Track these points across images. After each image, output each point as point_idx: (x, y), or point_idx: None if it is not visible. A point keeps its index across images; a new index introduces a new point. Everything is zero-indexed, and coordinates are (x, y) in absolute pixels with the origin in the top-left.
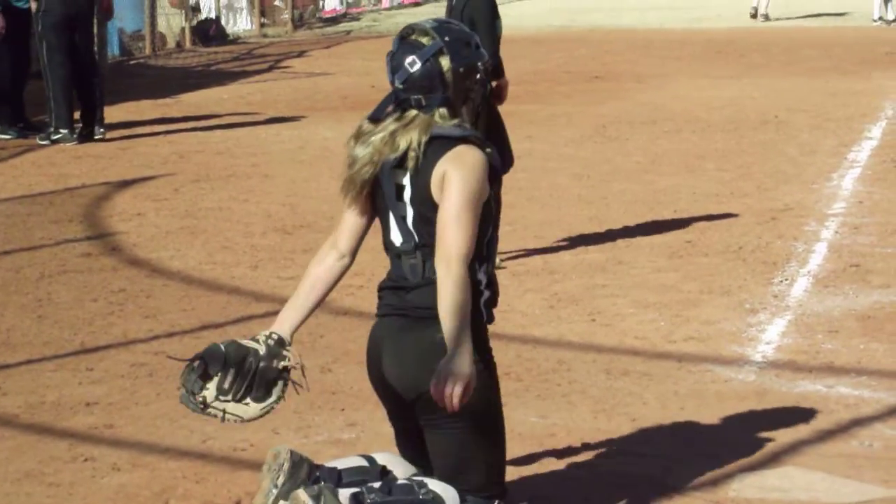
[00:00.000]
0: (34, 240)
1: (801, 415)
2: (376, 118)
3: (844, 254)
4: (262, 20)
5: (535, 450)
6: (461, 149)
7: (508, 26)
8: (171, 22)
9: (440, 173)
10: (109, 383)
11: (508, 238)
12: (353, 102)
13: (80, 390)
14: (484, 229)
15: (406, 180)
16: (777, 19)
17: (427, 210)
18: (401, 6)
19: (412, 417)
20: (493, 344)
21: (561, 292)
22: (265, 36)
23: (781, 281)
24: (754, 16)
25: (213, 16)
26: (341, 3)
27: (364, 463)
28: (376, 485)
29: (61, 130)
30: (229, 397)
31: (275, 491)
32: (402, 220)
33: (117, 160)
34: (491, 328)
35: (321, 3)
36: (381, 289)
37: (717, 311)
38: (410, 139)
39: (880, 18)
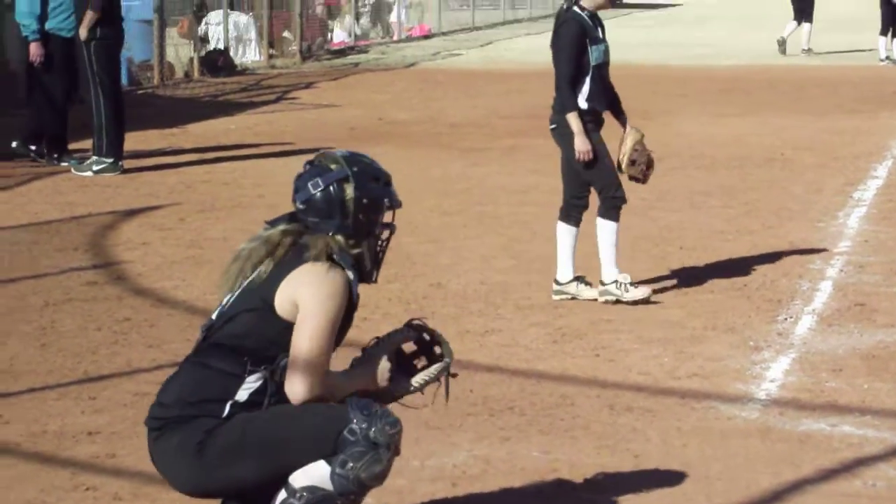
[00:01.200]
0: (39, 268)
1: (804, 453)
2: (272, 224)
3: (849, 292)
4: (271, 51)
5: (536, 484)
6: (316, 268)
7: (514, 60)
8: (180, 52)
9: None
10: (112, 412)
11: (514, 272)
12: (359, 134)
13: (82, 419)
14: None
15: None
16: (818, 53)
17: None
18: (409, 39)
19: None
20: (497, 377)
21: (565, 327)
22: (273, 67)
23: (786, 318)
24: (783, 50)
25: (221, 46)
26: (350, 35)
27: None
28: None
29: (106, 160)
30: None
31: None
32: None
33: (124, 189)
34: (494, 361)
35: (330, 36)
36: None
37: (721, 348)
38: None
39: (887, 58)
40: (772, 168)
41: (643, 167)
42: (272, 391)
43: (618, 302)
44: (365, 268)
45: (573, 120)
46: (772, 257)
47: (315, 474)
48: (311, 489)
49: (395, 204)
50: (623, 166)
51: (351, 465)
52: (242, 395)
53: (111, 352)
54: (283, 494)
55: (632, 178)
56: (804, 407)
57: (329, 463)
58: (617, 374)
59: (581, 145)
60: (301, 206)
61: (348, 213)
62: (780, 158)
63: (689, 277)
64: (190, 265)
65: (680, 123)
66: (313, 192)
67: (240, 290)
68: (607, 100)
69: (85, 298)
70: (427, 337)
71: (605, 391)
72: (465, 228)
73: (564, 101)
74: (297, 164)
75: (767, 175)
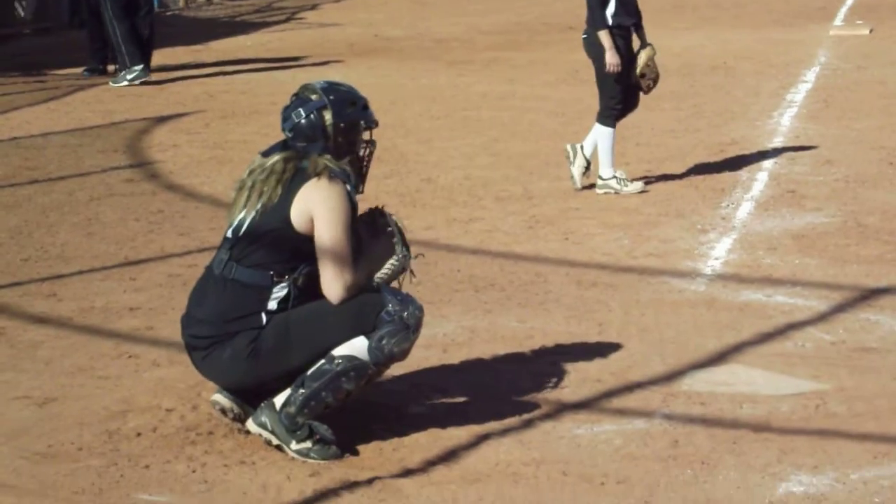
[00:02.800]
0: (84, 167)
1: (744, 320)
2: (267, 154)
3: (782, 181)
4: None
5: (515, 350)
6: (322, 183)
7: None
8: None
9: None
10: (150, 291)
11: (494, 168)
12: (358, 49)
13: (124, 297)
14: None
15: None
16: None
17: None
18: None
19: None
20: (480, 259)
21: (539, 215)
22: None
23: (728, 205)
24: None
25: None
26: None
27: None
28: (300, 390)
29: (135, 69)
30: None
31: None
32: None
33: (155, 98)
34: (478, 244)
35: None
36: None
37: (672, 231)
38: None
39: None
40: (716, 75)
41: (650, 82)
42: (295, 295)
43: (617, 194)
44: (351, 181)
45: (604, 37)
46: (716, 152)
47: (355, 345)
48: (349, 358)
49: (371, 124)
50: (633, 77)
51: (385, 340)
52: (272, 304)
53: (147, 239)
54: (322, 361)
55: (636, 87)
56: (744, 280)
57: (368, 338)
58: (583, 255)
59: (611, 58)
60: (289, 134)
61: (329, 136)
62: (723, 66)
63: (645, 170)
64: (214, 164)
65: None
66: (297, 120)
67: (256, 213)
68: (633, 15)
69: (124, 193)
70: (388, 225)
71: (573, 269)
72: (451, 130)
73: (595, 19)
74: (305, 76)
75: (712, 81)
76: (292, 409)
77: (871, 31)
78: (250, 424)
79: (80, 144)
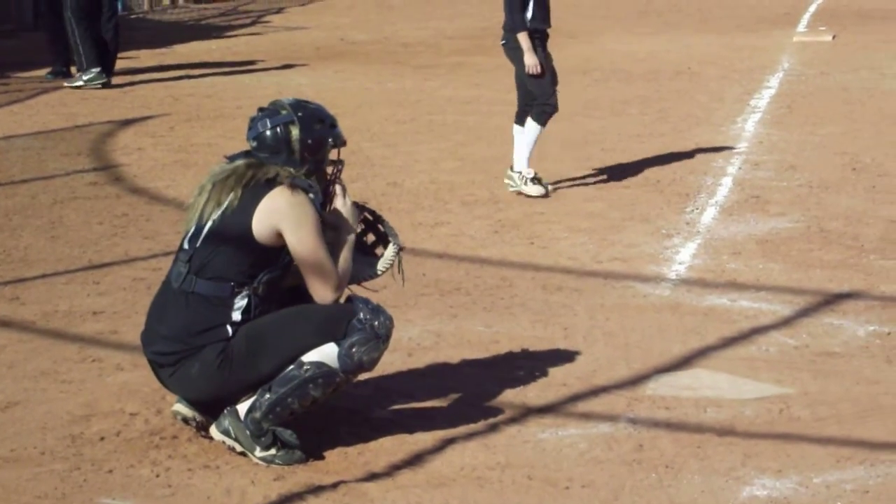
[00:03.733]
0: (48, 170)
1: (708, 324)
2: (231, 160)
3: (746, 187)
4: None
5: (481, 355)
6: (281, 195)
7: None
8: None
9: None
10: (114, 295)
11: (460, 172)
12: (324, 53)
13: (88, 301)
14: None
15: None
16: None
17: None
18: None
19: None
20: (445, 263)
21: (504, 219)
22: None
23: (693, 210)
24: None
25: None
26: None
27: None
28: (265, 395)
29: (92, 70)
30: None
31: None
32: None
33: (120, 101)
34: (443, 248)
35: None
36: None
37: (637, 236)
38: (265, 173)
39: None
40: (681, 80)
41: None
42: (256, 304)
43: (518, 193)
44: (316, 192)
45: (524, 39)
46: (681, 157)
47: (325, 352)
48: (318, 364)
49: (338, 143)
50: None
51: (356, 349)
52: (236, 315)
53: (112, 243)
54: (290, 367)
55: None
56: (708, 285)
57: (338, 345)
58: (549, 259)
59: (530, 59)
60: (253, 143)
61: (294, 150)
62: (687, 72)
63: (610, 175)
64: (179, 167)
65: (603, 42)
66: (262, 130)
67: (214, 222)
68: (548, 21)
69: (88, 197)
70: (370, 217)
71: (538, 274)
72: (417, 134)
73: (514, 22)
74: (270, 80)
75: (677, 86)
76: (258, 415)
77: (833, 38)
78: (213, 431)
79: (44, 148)
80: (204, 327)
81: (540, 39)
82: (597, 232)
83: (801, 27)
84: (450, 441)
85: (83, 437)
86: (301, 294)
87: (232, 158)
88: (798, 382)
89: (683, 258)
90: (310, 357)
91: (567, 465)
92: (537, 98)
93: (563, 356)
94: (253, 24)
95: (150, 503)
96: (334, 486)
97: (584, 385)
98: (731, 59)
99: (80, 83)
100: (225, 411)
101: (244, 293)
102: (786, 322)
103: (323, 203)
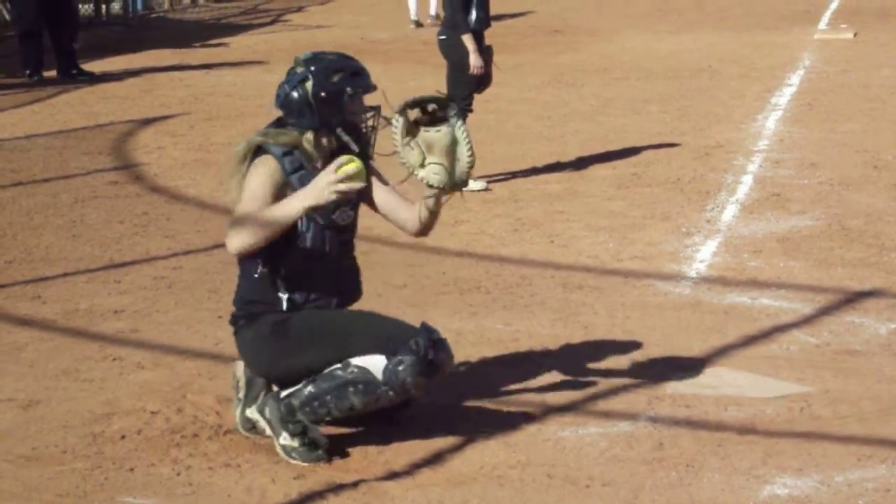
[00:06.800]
0: (69, 169)
1: (729, 323)
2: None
3: (767, 184)
4: None
5: (501, 353)
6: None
7: None
8: None
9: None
10: (134, 294)
11: (479, 170)
12: (344, 51)
13: (109, 300)
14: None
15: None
16: None
17: None
18: None
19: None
20: (465, 261)
21: (524, 217)
22: None
23: (713, 208)
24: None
25: None
26: None
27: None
28: (308, 386)
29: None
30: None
31: (239, 403)
32: None
33: (140, 100)
34: (463, 247)
35: None
36: None
37: (658, 234)
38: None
39: None
40: (701, 78)
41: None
42: (285, 279)
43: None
44: (355, 150)
45: (468, 40)
46: (701, 155)
47: (373, 361)
48: (364, 370)
49: (359, 90)
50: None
51: (402, 367)
52: (282, 292)
53: (132, 242)
54: (337, 365)
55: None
56: (729, 283)
57: (387, 357)
58: (569, 258)
59: (476, 61)
60: (282, 111)
61: (314, 108)
62: (708, 70)
63: (631, 174)
64: (199, 166)
65: (623, 40)
66: (282, 96)
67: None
68: (488, 22)
69: (109, 196)
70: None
71: (558, 272)
72: None
73: (458, 22)
74: None
75: (697, 84)
76: (295, 402)
77: (855, 35)
78: (251, 411)
79: (65, 147)
80: (254, 298)
81: (479, 41)
82: (617, 230)
83: (822, 25)
84: (469, 440)
85: (104, 435)
86: (350, 277)
87: (264, 130)
88: (819, 381)
89: (704, 256)
90: (357, 361)
91: (587, 464)
92: (456, 96)
93: (584, 354)
94: (273, 22)
95: (171, 501)
96: (354, 484)
97: (605, 383)
98: (752, 57)
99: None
100: (268, 394)
101: (269, 269)
102: (807, 320)
103: (365, 154)
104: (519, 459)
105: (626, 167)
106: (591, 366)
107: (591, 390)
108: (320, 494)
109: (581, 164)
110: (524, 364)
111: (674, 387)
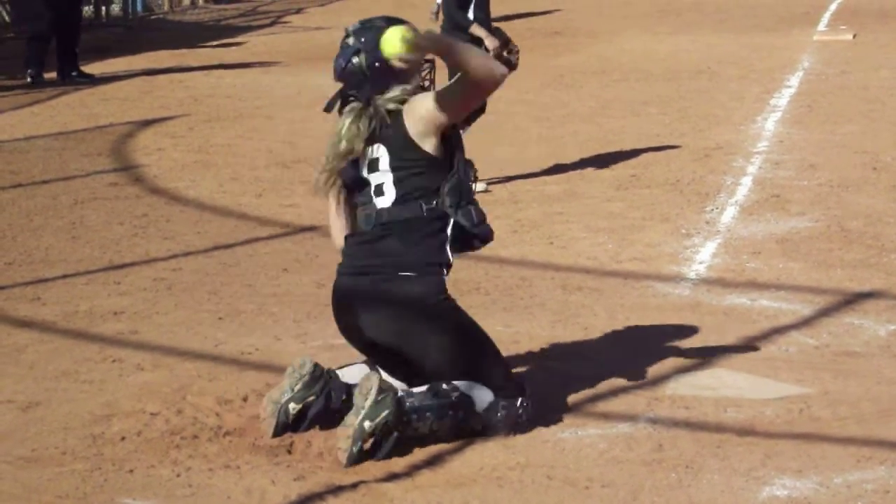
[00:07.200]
0: (69, 171)
1: (728, 324)
2: (328, 110)
3: (766, 186)
4: None
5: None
6: (412, 102)
7: None
8: None
9: (413, 120)
10: (134, 295)
11: (478, 172)
12: None
13: (108, 301)
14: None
15: (378, 152)
16: None
17: (407, 154)
18: None
19: (393, 356)
20: (465, 262)
21: (523, 219)
22: None
23: (712, 209)
24: None
25: None
26: None
27: (367, 371)
28: (417, 390)
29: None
30: None
31: (289, 393)
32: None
33: (140, 102)
34: None
35: None
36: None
37: (657, 236)
38: (373, 117)
39: None
40: (700, 79)
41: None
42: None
43: None
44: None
45: (476, 29)
46: (701, 156)
47: (480, 392)
48: (468, 396)
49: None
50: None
51: (499, 415)
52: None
53: (132, 243)
54: (445, 385)
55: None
56: (728, 284)
57: (495, 395)
58: (568, 259)
59: (491, 44)
60: (340, 83)
61: (370, 77)
62: (707, 71)
63: (630, 175)
64: (198, 168)
65: (622, 41)
66: (339, 70)
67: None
68: (488, 23)
69: (108, 197)
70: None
71: (558, 273)
72: None
73: (460, 20)
74: (290, 80)
75: (697, 86)
76: (406, 404)
77: (854, 37)
78: (367, 378)
79: (65, 148)
80: (431, 260)
81: (479, 42)
82: (616, 232)
83: (822, 26)
84: (469, 441)
85: (104, 436)
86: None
87: (327, 110)
88: (818, 382)
89: (703, 258)
90: (463, 386)
91: (587, 465)
92: None
93: (583, 356)
94: (272, 24)
95: (171, 503)
96: (354, 486)
97: (604, 385)
98: (751, 59)
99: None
100: (391, 391)
101: (448, 235)
102: (806, 322)
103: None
104: (518, 461)
105: (625, 169)
106: (591, 367)
107: (590, 392)
108: (320, 496)
109: (580, 165)
110: (523, 365)
111: (673, 388)
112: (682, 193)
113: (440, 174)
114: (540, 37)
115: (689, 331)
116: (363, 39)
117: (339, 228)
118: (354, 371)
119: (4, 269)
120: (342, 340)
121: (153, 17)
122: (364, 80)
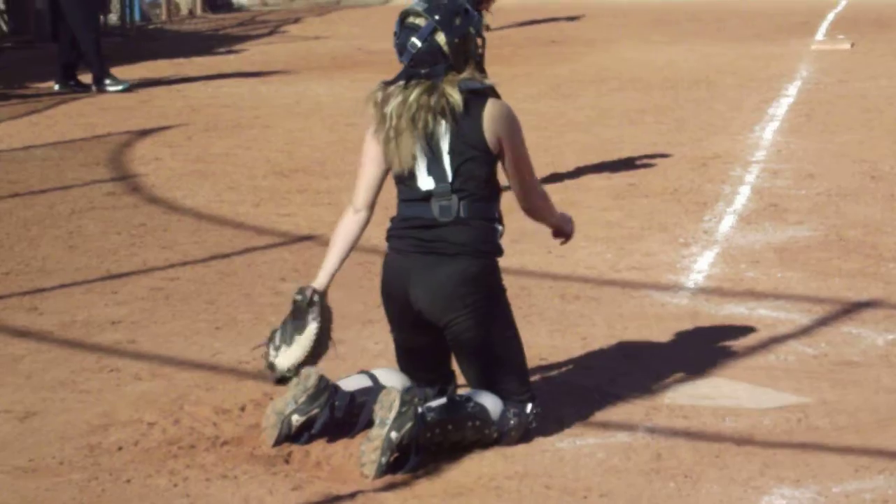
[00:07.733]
0: (66, 180)
1: (727, 333)
2: (391, 84)
3: (765, 195)
4: None
5: None
6: (499, 106)
7: None
8: None
9: (493, 129)
10: (132, 305)
11: None
12: (341, 63)
13: (106, 311)
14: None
15: (444, 131)
16: None
17: (474, 155)
18: None
19: (432, 339)
20: None
21: (522, 228)
22: (265, 4)
23: (710, 219)
24: None
25: None
26: None
27: (368, 382)
28: (434, 403)
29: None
30: (280, 348)
31: (293, 405)
32: (435, 167)
33: (138, 111)
34: None
35: None
36: (397, 228)
37: (655, 245)
38: (449, 95)
39: None
40: (698, 89)
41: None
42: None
43: None
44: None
45: None
46: (698, 166)
47: (490, 400)
48: (481, 406)
49: (480, 28)
50: None
51: (512, 423)
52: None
53: (130, 252)
54: (460, 398)
55: None
56: (726, 294)
57: (505, 405)
58: (567, 268)
59: None
60: (409, 64)
61: (447, 55)
62: (705, 80)
63: (628, 184)
64: (196, 177)
65: (619, 50)
66: (413, 51)
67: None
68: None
69: (106, 207)
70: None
71: (556, 283)
72: None
73: None
74: (288, 90)
75: (694, 95)
76: (428, 418)
77: (852, 46)
78: (392, 388)
79: (62, 158)
80: (490, 249)
81: None
82: (614, 241)
83: (820, 36)
84: (467, 450)
85: (101, 446)
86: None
87: (391, 83)
88: (817, 391)
89: (701, 267)
90: (477, 395)
91: (585, 475)
92: None
93: (581, 365)
94: (270, 34)
95: None
96: (352, 495)
97: (602, 394)
98: (749, 68)
99: (119, 87)
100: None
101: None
102: (804, 331)
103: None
104: (516, 470)
105: (622, 178)
106: (589, 376)
107: (588, 401)
108: None
109: (577, 174)
110: None
111: (671, 397)
112: (679, 203)
113: (488, 168)
114: (537, 46)
115: (688, 340)
116: (437, 17)
117: (368, 189)
118: (355, 381)
119: (1, 278)
120: (339, 351)
121: (151, 26)
122: (441, 59)
